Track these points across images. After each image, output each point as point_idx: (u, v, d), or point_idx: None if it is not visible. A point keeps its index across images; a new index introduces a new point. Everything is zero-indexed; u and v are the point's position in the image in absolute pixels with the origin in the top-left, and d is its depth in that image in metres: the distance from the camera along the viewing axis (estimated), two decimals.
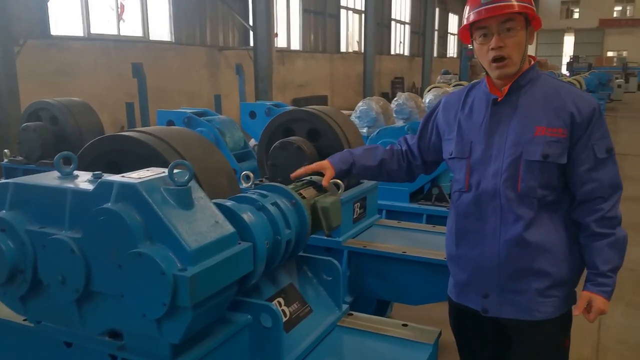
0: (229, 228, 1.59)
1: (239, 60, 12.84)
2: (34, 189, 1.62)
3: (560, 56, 41.83)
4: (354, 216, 3.29)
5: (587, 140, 1.85)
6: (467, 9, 1.94)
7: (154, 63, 11.60)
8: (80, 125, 4.42)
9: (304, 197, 2.01)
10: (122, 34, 12.00)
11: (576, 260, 1.96)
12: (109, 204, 1.45)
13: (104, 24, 11.57)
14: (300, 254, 2.17)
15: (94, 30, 11.24)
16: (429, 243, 3.18)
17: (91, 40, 11.05)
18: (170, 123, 5.29)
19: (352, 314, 2.22)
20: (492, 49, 1.85)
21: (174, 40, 13.24)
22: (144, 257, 1.40)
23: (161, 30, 13.06)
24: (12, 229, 1.60)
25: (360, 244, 3.17)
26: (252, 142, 6.64)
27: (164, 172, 1.57)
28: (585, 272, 1.98)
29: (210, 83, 14.13)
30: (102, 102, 9.80)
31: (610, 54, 41.53)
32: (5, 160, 4.56)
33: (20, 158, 4.50)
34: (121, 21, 12.01)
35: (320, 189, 2.13)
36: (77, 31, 10.94)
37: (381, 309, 3.58)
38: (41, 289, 1.65)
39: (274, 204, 1.87)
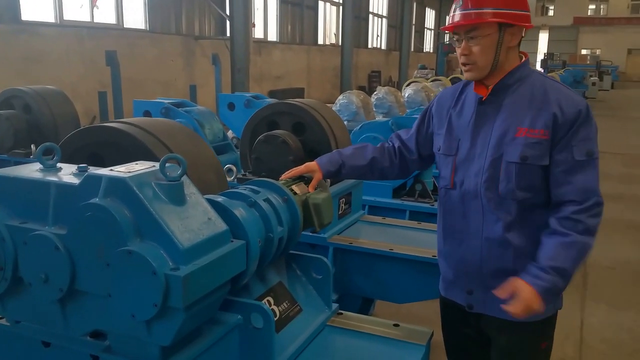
0: (221, 225, 1.53)
1: (215, 50, 12.66)
2: (14, 182, 1.53)
3: (535, 53, 42.14)
4: (339, 212, 3.25)
5: (568, 141, 1.79)
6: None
7: (128, 51, 11.35)
8: (55, 114, 4.26)
9: (295, 193, 1.96)
10: (95, 21, 11.69)
11: None
12: (97, 199, 1.37)
13: (76, 11, 11.25)
14: (290, 251, 2.13)
15: (67, 16, 10.92)
16: (414, 240, 3.15)
17: (63, 26, 10.74)
18: (146, 113, 5.16)
19: (341, 313, 2.18)
20: (460, 54, 1.90)
21: (148, 29, 12.97)
22: (134, 255, 1.33)
23: (136, 17, 12.77)
24: None
25: (346, 240, 3.12)
26: (230, 133, 6.53)
27: (154, 166, 1.50)
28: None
29: (185, 73, 13.90)
30: (74, 90, 9.53)
31: (584, 51, 42.10)
32: None
33: None
34: (95, 8, 11.69)
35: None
36: (49, 17, 10.61)
37: (365, 306, 3.56)
38: (22, 287, 1.56)
39: (266, 200, 1.81)
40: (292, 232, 1.89)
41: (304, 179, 2.10)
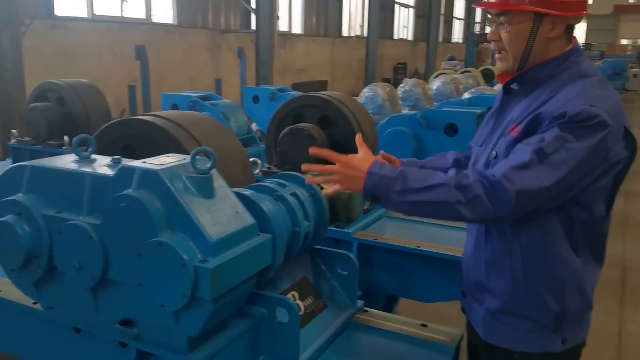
0: (249, 219, 1.55)
1: (241, 44, 12.72)
2: (51, 173, 1.58)
3: (614, 44, 40.85)
4: (365, 207, 3.24)
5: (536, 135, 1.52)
6: None
7: (157, 46, 11.48)
8: (87, 107, 4.37)
9: (322, 188, 1.97)
10: (125, 16, 11.87)
11: (533, 294, 1.64)
12: (131, 191, 1.41)
13: (107, 6, 11.44)
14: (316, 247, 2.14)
15: (98, 11, 11.11)
16: (442, 238, 3.10)
17: (95, 21, 10.94)
18: (174, 107, 5.24)
19: (367, 311, 2.15)
20: (489, 38, 1.70)
21: (176, 23, 13.10)
22: (165, 246, 1.36)
23: (164, 12, 12.91)
24: (29, 213, 1.56)
25: (371, 236, 3.10)
26: (255, 126, 6.58)
27: (185, 159, 1.53)
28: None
29: (211, 66, 14.01)
30: (105, 84, 9.65)
31: (624, 42, 40.04)
32: (13, 140, 4.52)
33: (27, 139, 4.46)
34: (125, 3, 11.86)
35: None
36: (82, 12, 10.81)
37: (390, 304, 3.55)
38: (56, 275, 1.61)
39: (293, 194, 1.83)
40: (318, 227, 1.90)
41: None
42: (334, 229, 3.06)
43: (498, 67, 1.74)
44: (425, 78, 20.35)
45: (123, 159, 1.58)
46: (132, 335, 1.63)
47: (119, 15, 11.74)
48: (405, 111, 6.97)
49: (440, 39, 28.50)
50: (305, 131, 3.14)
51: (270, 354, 1.75)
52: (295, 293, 1.94)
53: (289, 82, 16.25)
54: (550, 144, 1.45)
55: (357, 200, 2.02)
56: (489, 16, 1.69)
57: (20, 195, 1.61)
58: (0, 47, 7.75)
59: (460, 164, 2.00)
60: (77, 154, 1.63)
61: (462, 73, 10.01)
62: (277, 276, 1.93)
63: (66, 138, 4.16)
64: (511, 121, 1.67)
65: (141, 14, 12.33)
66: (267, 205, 1.69)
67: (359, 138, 1.76)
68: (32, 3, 9.07)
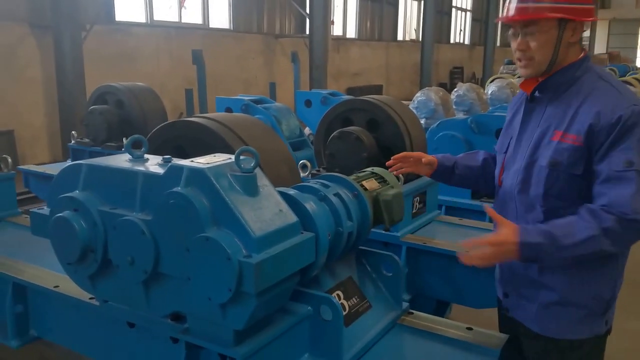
0: (292, 217, 1.58)
1: (295, 48, 12.87)
2: (106, 171, 1.66)
3: (635, 48, 38.87)
4: (413, 211, 3.23)
5: (607, 150, 1.64)
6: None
7: (213, 50, 11.79)
8: (144, 110, 4.53)
9: (365, 189, 1.98)
10: (183, 21, 12.24)
11: (590, 285, 1.79)
12: (179, 188, 1.47)
13: (166, 11, 11.84)
14: (361, 247, 2.15)
15: (157, 17, 11.51)
16: None
17: (153, 26, 11.33)
18: (228, 110, 5.38)
19: (412, 313, 2.15)
20: (516, 49, 1.81)
21: (232, 28, 13.40)
22: (211, 241, 1.41)
23: (220, 17, 13.24)
24: (85, 209, 1.65)
25: (420, 240, 3.09)
26: (307, 130, 6.66)
27: (230, 158, 1.58)
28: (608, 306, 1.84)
29: (265, 70, 14.25)
30: (163, 87, 10.04)
31: None
32: (73, 142, 4.74)
33: (86, 140, 4.66)
34: (183, 8, 12.24)
35: (382, 181, 2.09)
36: (140, 17, 11.23)
37: (441, 309, 3.51)
38: (110, 269, 1.69)
39: (336, 194, 1.85)
40: (361, 227, 1.91)
41: (376, 176, 2.12)
42: (382, 232, 3.07)
43: (523, 73, 1.85)
44: (482, 82, 19.94)
45: (173, 158, 1.65)
46: (182, 329, 1.69)
47: (177, 20, 12.12)
48: (459, 115, 6.87)
49: (498, 43, 27.89)
50: (353, 134, 3.16)
51: (314, 351, 1.78)
52: (339, 292, 1.96)
53: (343, 86, 16.32)
54: (633, 158, 1.61)
55: (400, 202, 2.02)
56: (510, 30, 1.83)
57: (77, 192, 1.70)
58: (61, 50, 8.14)
59: (488, 164, 2.14)
60: (130, 154, 1.71)
61: (519, 77, 9.77)
62: (322, 275, 1.95)
63: (125, 140, 4.34)
64: (550, 125, 1.77)
65: (198, 19, 12.68)
66: (310, 204, 1.72)
67: (490, 211, 1.86)
68: (93, 8, 9.46)
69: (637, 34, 40.73)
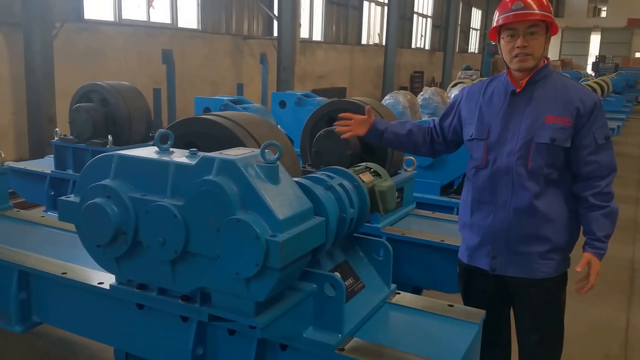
0: (307, 203, 1.80)
1: (263, 50, 13.02)
2: (137, 161, 1.84)
3: (586, 56, 40.68)
4: None
5: (589, 128, 2.20)
6: (497, 13, 2.30)
7: (181, 50, 11.79)
8: (129, 108, 4.63)
9: (363, 181, 2.21)
10: (151, 20, 12.22)
11: (573, 230, 2.32)
12: (211, 176, 1.66)
13: (134, 10, 11.79)
14: (354, 234, 2.38)
15: (125, 15, 11.46)
16: None
17: (122, 25, 11.27)
18: (206, 109, 5.51)
19: (399, 293, 2.40)
20: (518, 47, 2.21)
21: (200, 28, 13.44)
22: (242, 223, 1.61)
23: (189, 17, 13.25)
24: (117, 195, 1.82)
25: (399, 231, 3.35)
26: (280, 130, 6.85)
27: (253, 151, 1.78)
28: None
29: (233, 71, 14.32)
30: None
31: (638, 55, 40.09)
32: (56, 138, 4.79)
33: (70, 137, 4.73)
34: (151, 8, 12.21)
35: (376, 174, 2.33)
36: (109, 16, 11.16)
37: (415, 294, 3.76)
38: (138, 250, 1.87)
39: (340, 184, 2.08)
40: (361, 214, 2.14)
41: (370, 170, 2.36)
42: (365, 224, 3.30)
43: (523, 66, 2.24)
44: (442, 86, 20.52)
45: (199, 151, 1.84)
46: (191, 309, 1.87)
47: (145, 19, 12.08)
48: (425, 117, 7.22)
49: (457, 49, 28.70)
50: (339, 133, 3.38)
51: (318, 324, 1.99)
52: (337, 273, 2.17)
53: (308, 88, 16.53)
54: (608, 132, 2.28)
55: (394, 192, 2.27)
56: (509, 33, 2.24)
57: (108, 180, 1.87)
58: (32, 47, 8.02)
59: (412, 133, 2.60)
60: (158, 146, 1.89)
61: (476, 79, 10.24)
62: (322, 258, 2.17)
63: (110, 137, 4.44)
64: (540, 112, 2.22)
65: (166, 19, 12.67)
66: (320, 192, 1.94)
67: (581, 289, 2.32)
68: (62, 6, 9.36)
69: (588, 42, 42.54)
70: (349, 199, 2.06)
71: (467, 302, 2.52)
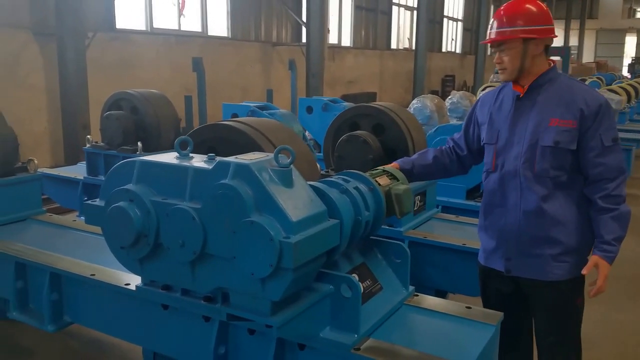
0: (321, 206, 1.85)
1: (291, 56, 13.14)
2: (158, 166, 1.92)
3: (621, 57, 39.76)
4: (415, 208, 3.49)
5: (595, 130, 2.19)
6: None
7: (211, 57, 12.01)
8: (158, 115, 4.77)
9: (379, 184, 2.24)
10: (182, 29, 12.48)
11: (586, 233, 2.29)
12: (227, 180, 1.72)
13: (165, 19, 12.06)
14: (372, 237, 2.41)
15: (157, 24, 11.74)
16: None
17: (153, 34, 11.54)
18: (234, 115, 5.61)
19: (417, 295, 2.42)
20: (496, 62, 2.34)
21: (230, 36, 13.66)
22: (256, 225, 1.67)
23: (219, 25, 13.49)
24: (139, 199, 1.90)
25: (421, 234, 3.36)
26: (308, 135, 6.91)
27: (268, 155, 1.84)
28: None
29: (262, 78, 14.50)
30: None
31: None
32: (88, 145, 4.95)
33: (101, 144, 4.89)
34: (182, 16, 12.48)
35: (393, 178, 2.36)
36: (140, 25, 11.45)
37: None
38: (159, 251, 1.95)
39: (355, 188, 2.11)
40: (376, 216, 2.17)
41: (387, 173, 2.38)
42: (387, 227, 3.33)
43: (501, 78, 2.38)
44: (474, 90, 20.30)
45: (216, 156, 1.90)
46: (214, 309, 1.93)
47: (176, 28, 12.35)
48: (453, 121, 7.18)
49: (489, 52, 28.37)
50: (360, 138, 3.42)
51: (335, 324, 2.02)
52: (355, 275, 2.20)
53: (337, 94, 16.58)
54: (616, 134, 2.25)
55: (410, 196, 2.29)
56: (492, 49, 2.39)
57: (131, 184, 1.95)
58: (65, 57, 8.29)
59: (437, 159, 2.64)
60: (178, 152, 1.97)
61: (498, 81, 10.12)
62: (340, 260, 2.21)
63: (139, 144, 4.57)
64: (544, 115, 2.24)
65: (197, 27, 12.93)
66: (335, 196, 1.98)
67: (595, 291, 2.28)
68: (94, 16, 9.62)
69: (624, 43, 41.46)
70: (364, 202, 2.10)
71: (485, 304, 2.54)
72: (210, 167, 1.80)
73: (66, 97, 8.51)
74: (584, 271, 2.23)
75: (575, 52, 36.37)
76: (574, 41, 38.18)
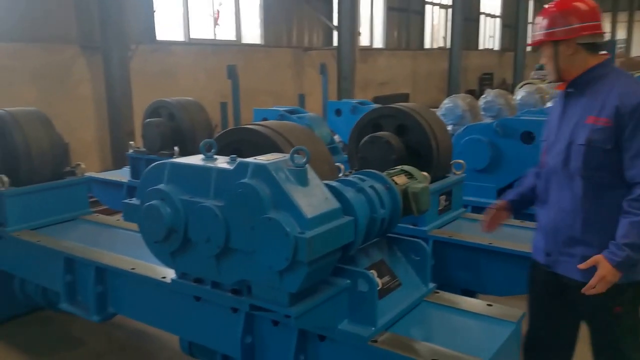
0: (335, 203, 1.96)
1: (323, 60, 13.27)
2: (186, 168, 2.08)
3: None
4: (439, 208, 3.53)
5: (634, 130, 2.10)
6: None
7: (245, 64, 12.27)
8: (193, 121, 5.01)
9: (396, 183, 2.33)
10: (217, 38, 12.80)
11: None
12: (246, 179, 1.86)
13: (202, 29, 12.41)
14: (391, 235, 2.50)
15: (193, 35, 12.09)
16: (514, 236, 3.28)
17: (190, 44, 11.90)
18: (264, 120, 5.79)
19: (437, 292, 2.47)
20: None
21: (263, 43, 13.92)
22: (273, 221, 1.79)
23: (252, 33, 13.77)
24: (170, 198, 2.06)
25: (446, 233, 3.39)
26: (337, 137, 7.03)
27: (285, 156, 1.96)
28: None
29: (295, 82, 14.70)
30: (200, 100, 10.48)
31: None
32: (131, 150, 5.25)
33: (143, 149, 5.16)
34: (217, 26, 12.80)
35: (411, 177, 2.44)
36: (179, 36, 11.82)
37: None
38: (189, 246, 2.10)
39: (371, 186, 2.21)
40: (393, 214, 2.27)
41: (405, 172, 2.47)
42: (411, 226, 3.39)
43: (549, 79, 2.46)
44: (513, 87, 19.98)
45: (238, 157, 2.04)
46: (240, 301, 2.06)
47: (212, 37, 12.69)
48: (487, 120, 6.97)
49: (529, 48, 27.71)
50: (383, 138, 3.50)
51: (353, 318, 2.13)
52: (374, 271, 2.29)
53: (370, 96, 16.63)
54: None
55: (427, 194, 2.37)
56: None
57: (162, 185, 2.12)
58: (111, 69, 8.71)
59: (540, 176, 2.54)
60: (203, 154, 2.12)
61: (549, 82, 9.91)
62: (359, 256, 2.31)
63: (176, 148, 4.79)
64: (584, 113, 2.22)
65: (231, 36, 13.24)
66: (350, 194, 2.09)
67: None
68: (137, 29, 10.03)
69: None
70: (379, 200, 2.19)
71: (530, 292, 2.56)
72: (232, 167, 1.94)
73: (112, 106, 8.92)
74: (580, 266, 2.19)
75: (624, 45, 35.11)
76: (622, 34, 36.92)
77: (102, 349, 3.75)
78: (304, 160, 1.90)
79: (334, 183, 2.12)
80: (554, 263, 2.35)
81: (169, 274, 2.47)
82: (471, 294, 3.89)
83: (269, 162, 1.88)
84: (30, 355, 3.67)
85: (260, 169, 1.86)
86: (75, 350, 3.72)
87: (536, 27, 2.34)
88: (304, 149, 1.91)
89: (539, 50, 2.35)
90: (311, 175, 1.95)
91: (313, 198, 1.88)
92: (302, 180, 1.89)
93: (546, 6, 2.36)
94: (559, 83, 2.37)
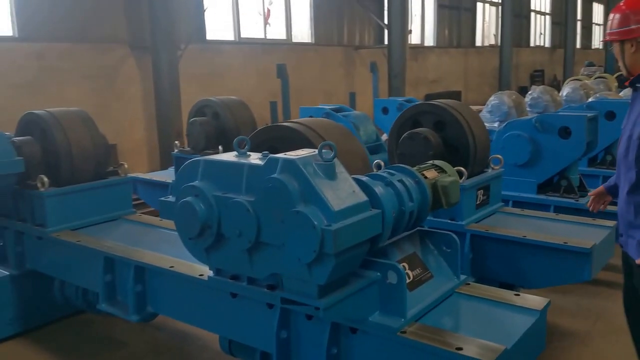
0: (363, 197, 2.00)
1: (373, 59, 13.24)
2: (219, 164, 2.16)
3: None
4: (477, 202, 3.52)
5: None
6: None
7: (296, 63, 12.39)
8: (237, 120, 5.10)
9: (426, 177, 2.36)
10: (268, 37, 12.99)
11: None
12: (276, 175, 1.93)
13: (252, 29, 12.61)
14: (424, 228, 2.52)
15: (244, 34, 12.31)
16: (550, 229, 3.31)
17: (241, 43, 12.12)
18: (310, 117, 5.87)
19: (469, 284, 2.50)
20: None
21: (313, 42, 14.02)
22: (301, 215, 1.85)
23: (302, 32, 13.90)
24: (203, 194, 2.15)
25: (483, 227, 3.39)
26: (385, 136, 7.03)
27: (314, 151, 2.02)
28: None
29: (345, 81, 14.73)
30: (249, 101, 10.55)
31: None
32: (176, 150, 5.40)
33: (187, 148, 5.29)
34: (267, 25, 12.99)
35: (441, 171, 2.46)
36: (229, 36, 12.06)
37: None
38: (222, 241, 2.18)
39: (400, 181, 2.24)
40: (421, 207, 2.29)
41: (435, 167, 2.49)
42: (449, 221, 3.40)
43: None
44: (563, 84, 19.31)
45: (269, 154, 2.11)
46: (275, 296, 2.13)
47: (262, 36, 12.88)
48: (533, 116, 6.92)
49: (579, 45, 26.94)
50: (421, 135, 3.52)
51: (383, 309, 2.17)
52: (405, 264, 2.33)
53: (421, 93, 16.48)
54: None
55: (456, 188, 2.38)
56: None
57: (197, 181, 2.21)
58: (159, 69, 8.90)
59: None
60: (236, 151, 2.20)
61: (596, 78, 9.68)
62: (390, 249, 2.35)
63: (220, 147, 4.91)
64: None
65: (282, 35, 13.40)
66: (378, 188, 2.13)
67: None
68: (186, 29, 10.26)
69: None
70: (408, 194, 2.22)
71: (624, 283, 2.66)
72: (262, 163, 2.01)
73: (161, 107, 9.15)
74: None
75: None
76: None
77: (143, 350, 3.71)
78: (332, 154, 1.95)
79: (363, 177, 2.16)
80: (624, 244, 2.51)
81: (207, 271, 2.50)
82: (510, 287, 3.87)
83: (297, 157, 1.94)
84: (71, 358, 3.60)
85: (289, 164, 1.93)
86: (117, 353, 3.66)
87: (607, 26, 2.49)
88: (331, 143, 1.96)
89: (611, 48, 2.47)
90: (339, 169, 1.99)
91: (340, 192, 1.93)
92: (330, 175, 1.94)
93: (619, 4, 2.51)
94: (629, 78, 2.47)
